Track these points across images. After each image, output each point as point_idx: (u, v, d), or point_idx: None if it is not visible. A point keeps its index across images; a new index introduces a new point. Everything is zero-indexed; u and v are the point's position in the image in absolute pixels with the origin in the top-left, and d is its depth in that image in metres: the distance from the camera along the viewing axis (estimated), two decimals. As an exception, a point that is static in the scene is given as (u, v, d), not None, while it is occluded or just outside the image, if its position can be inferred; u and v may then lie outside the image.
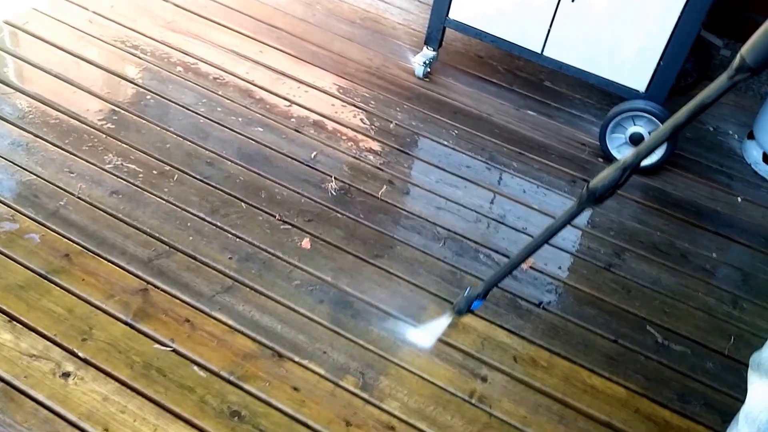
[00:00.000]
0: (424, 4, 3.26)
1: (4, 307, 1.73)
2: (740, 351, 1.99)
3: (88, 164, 2.17)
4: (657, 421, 1.79)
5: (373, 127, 2.55)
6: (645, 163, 2.55)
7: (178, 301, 1.84)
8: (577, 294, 2.09)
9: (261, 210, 2.14)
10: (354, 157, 2.40)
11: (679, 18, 2.30)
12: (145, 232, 2.00)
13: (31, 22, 2.69)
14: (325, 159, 2.37)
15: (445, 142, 2.55)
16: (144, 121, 2.36)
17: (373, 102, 2.66)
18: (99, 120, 2.33)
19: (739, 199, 2.57)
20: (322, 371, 1.74)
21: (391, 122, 2.58)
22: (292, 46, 2.86)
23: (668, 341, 2.00)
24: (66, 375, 1.62)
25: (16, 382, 1.59)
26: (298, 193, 2.22)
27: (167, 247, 1.97)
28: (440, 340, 1.85)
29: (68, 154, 2.18)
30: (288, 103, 2.57)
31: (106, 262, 1.90)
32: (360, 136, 2.49)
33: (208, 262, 1.95)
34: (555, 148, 2.63)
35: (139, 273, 1.88)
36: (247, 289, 1.90)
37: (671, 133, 1.23)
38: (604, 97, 2.90)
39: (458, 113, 2.70)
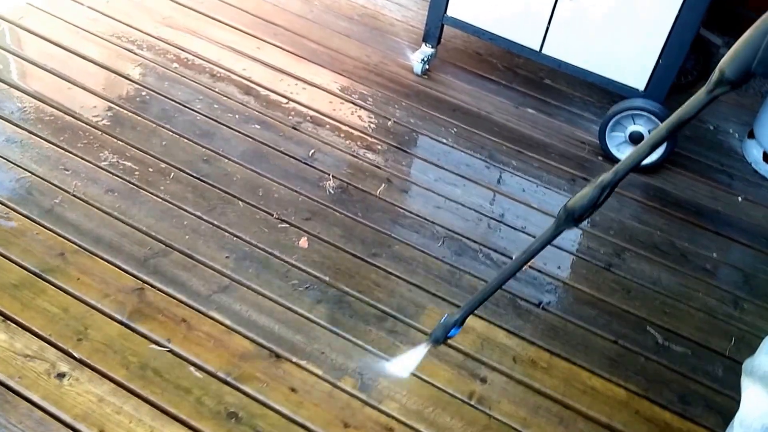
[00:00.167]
0: (423, 1, 3.24)
1: (-2, 307, 1.72)
2: (741, 352, 1.97)
3: (83, 161, 2.14)
4: (657, 423, 1.78)
5: (371, 124, 2.53)
6: (645, 162, 2.54)
7: (174, 300, 1.82)
8: (577, 294, 2.08)
9: (258, 208, 2.12)
10: (352, 155, 2.38)
11: (677, 16, 2.29)
12: (141, 231, 1.98)
13: (26, 17, 2.66)
14: (323, 157, 2.35)
15: (444, 140, 2.53)
16: (140, 118, 2.34)
17: (371, 99, 2.64)
18: (94, 117, 2.31)
19: (740, 198, 2.56)
20: (319, 372, 1.73)
21: (390, 120, 2.57)
22: (289, 43, 2.84)
23: (669, 342, 1.98)
24: (61, 375, 1.60)
25: (11, 383, 1.57)
26: (295, 191, 2.20)
27: (163, 246, 1.95)
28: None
29: (63, 152, 2.16)
30: (285, 101, 2.55)
31: (101, 261, 1.88)
32: (358, 134, 2.47)
33: (205, 261, 1.93)
34: (555, 146, 2.61)
35: (135, 272, 1.87)
36: (244, 288, 1.89)
37: (649, 151, 1.19)
38: (604, 95, 2.88)
39: (457, 111, 2.68)
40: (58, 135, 2.21)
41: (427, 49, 2.79)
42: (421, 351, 1.69)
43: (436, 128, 2.58)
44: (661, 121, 1.59)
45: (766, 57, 1.04)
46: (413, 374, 1.75)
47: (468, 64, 2.95)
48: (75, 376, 1.61)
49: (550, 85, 2.93)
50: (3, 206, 1.96)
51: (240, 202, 2.13)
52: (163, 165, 2.19)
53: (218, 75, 2.60)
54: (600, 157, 2.59)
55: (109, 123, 2.30)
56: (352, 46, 2.91)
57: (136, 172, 2.15)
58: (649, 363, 1.92)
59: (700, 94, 1.11)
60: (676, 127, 1.15)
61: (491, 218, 2.27)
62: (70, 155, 2.15)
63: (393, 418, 1.67)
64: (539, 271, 2.11)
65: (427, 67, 2.81)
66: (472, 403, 1.73)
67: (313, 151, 2.36)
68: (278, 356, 1.74)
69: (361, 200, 2.22)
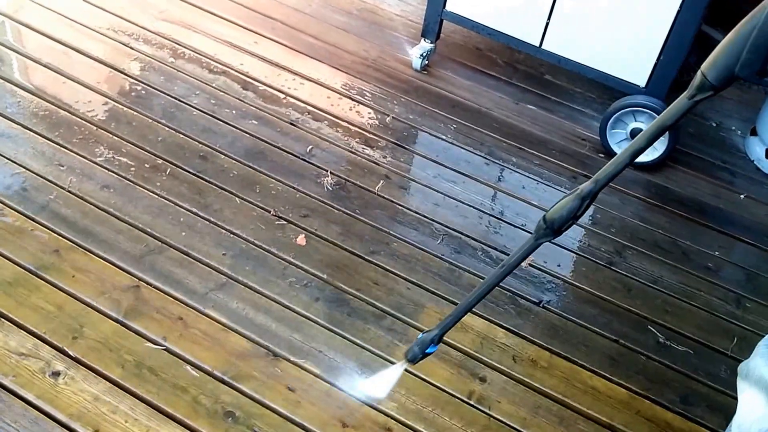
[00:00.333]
0: (422, -4, 3.22)
1: (-8, 304, 1.69)
2: (744, 352, 1.95)
3: (78, 157, 2.12)
4: (659, 423, 1.76)
5: (370, 120, 2.51)
6: (646, 159, 2.53)
7: (170, 298, 1.80)
8: (578, 292, 2.06)
9: (255, 205, 2.10)
10: (350, 152, 2.36)
11: (678, 12, 2.27)
12: (136, 227, 1.95)
13: (21, 10, 2.63)
14: (321, 153, 2.33)
15: (444, 136, 2.51)
16: (136, 113, 2.32)
17: (369, 95, 2.62)
18: (90, 112, 2.28)
19: (742, 196, 2.54)
20: (317, 371, 1.71)
21: (388, 116, 2.54)
22: (287, 37, 2.82)
23: (670, 341, 1.97)
24: (56, 374, 1.58)
25: (5, 382, 1.55)
26: (293, 187, 2.18)
27: (159, 243, 1.93)
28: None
29: (58, 147, 2.14)
30: (283, 96, 2.53)
31: (96, 258, 1.86)
32: (356, 130, 2.45)
33: (201, 259, 1.91)
34: (555, 143, 2.59)
35: (131, 269, 1.84)
36: (241, 286, 1.87)
37: (630, 160, 1.14)
38: (605, 91, 2.86)
39: (457, 107, 2.66)
40: (53, 130, 2.19)
41: (426, 45, 2.76)
42: (397, 370, 1.59)
43: (435, 124, 2.56)
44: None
45: (749, 59, 1.00)
46: (412, 373, 1.73)
47: (467, 60, 2.93)
48: (70, 374, 1.59)
49: (550, 81, 2.91)
50: (-3, 202, 1.94)
51: (237, 199, 2.10)
52: (160, 161, 2.17)
53: (215, 70, 2.57)
54: (601, 154, 2.57)
55: (104, 118, 2.27)
56: (351, 41, 2.89)
57: (132, 168, 2.12)
58: (650, 362, 1.90)
59: (681, 100, 1.07)
60: (656, 135, 1.11)
61: (491, 215, 2.25)
62: (66, 151, 2.13)
63: (391, 417, 1.65)
64: (539, 269, 2.09)
65: (426, 62, 2.78)
66: (472, 402, 1.71)
67: (311, 147, 2.34)
68: (275, 355, 1.72)
69: (359, 197, 2.20)
